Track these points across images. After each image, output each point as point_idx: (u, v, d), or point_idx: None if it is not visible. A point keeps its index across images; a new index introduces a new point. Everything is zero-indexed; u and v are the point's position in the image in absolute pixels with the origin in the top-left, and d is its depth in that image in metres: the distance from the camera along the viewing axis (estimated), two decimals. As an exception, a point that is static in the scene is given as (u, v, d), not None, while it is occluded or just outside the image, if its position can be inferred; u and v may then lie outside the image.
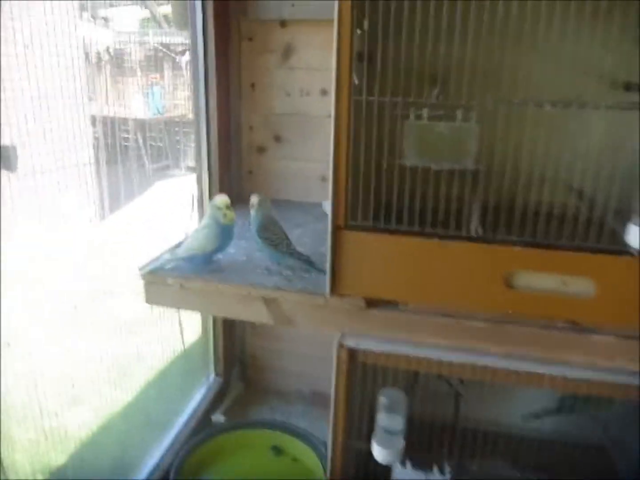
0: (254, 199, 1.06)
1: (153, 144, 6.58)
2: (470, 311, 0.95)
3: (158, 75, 6.64)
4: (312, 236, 1.26)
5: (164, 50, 6.53)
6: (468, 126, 0.81)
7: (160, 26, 6.87)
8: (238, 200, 1.52)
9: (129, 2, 6.43)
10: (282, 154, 1.52)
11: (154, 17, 6.78)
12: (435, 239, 0.89)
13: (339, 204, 0.91)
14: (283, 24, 1.43)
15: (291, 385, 1.73)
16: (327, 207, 1.46)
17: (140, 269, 1.07)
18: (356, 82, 0.87)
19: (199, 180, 1.44)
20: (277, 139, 1.51)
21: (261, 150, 1.53)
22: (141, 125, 6.47)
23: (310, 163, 1.51)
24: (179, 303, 1.08)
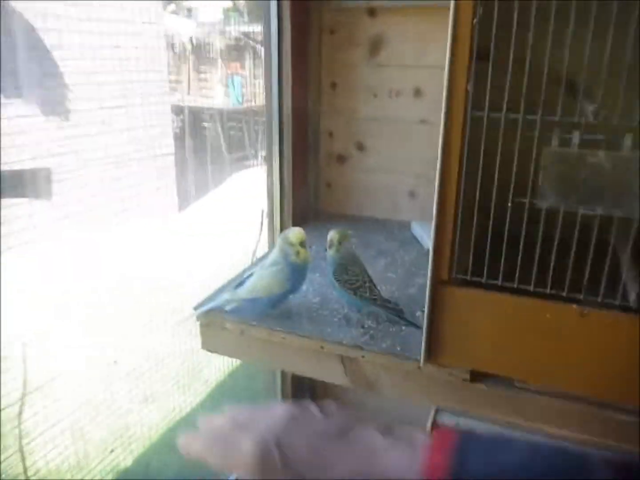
0: (334, 236, 0.86)
1: (232, 133, 6.57)
2: (616, 400, 0.71)
3: (239, 65, 6.60)
4: (399, 270, 1.05)
5: (245, 39, 6.47)
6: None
7: (241, 15, 6.82)
8: (314, 218, 1.34)
9: (211, -9, 6.43)
10: (366, 165, 1.31)
11: (235, 7, 6.75)
12: (575, 306, 0.66)
13: (443, 252, 0.69)
14: (372, 12, 1.21)
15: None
16: (417, 229, 1.25)
17: (195, 308, 0.91)
18: (470, 90, 0.64)
19: (270, 195, 1.26)
20: (360, 147, 1.31)
21: (342, 159, 1.33)
22: (221, 114, 6.47)
23: (398, 175, 1.29)
24: (239, 353, 0.92)
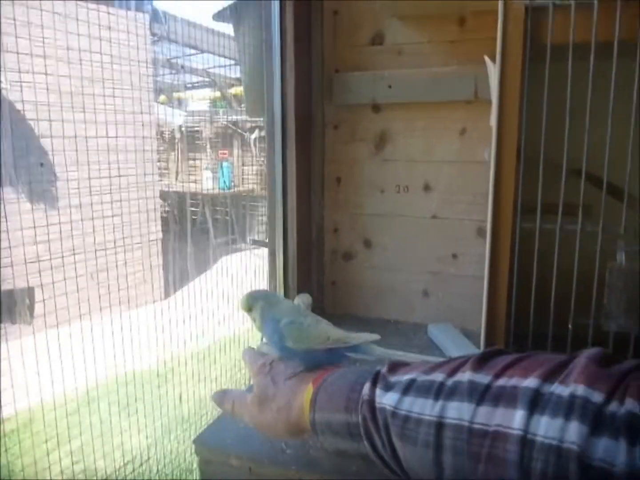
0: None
1: (220, 217, 6.58)
2: None
3: (227, 152, 6.73)
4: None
5: (233, 127, 6.65)
6: None
7: (230, 105, 7.05)
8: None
9: (202, 84, 6.67)
10: (374, 262, 1.24)
11: (224, 97, 6.99)
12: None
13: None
14: (376, 108, 1.18)
15: None
16: (436, 334, 1.15)
17: (195, 441, 0.78)
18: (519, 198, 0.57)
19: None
20: (367, 243, 1.24)
21: (347, 256, 1.25)
22: (209, 199, 6.51)
23: (409, 274, 1.21)
24: (247, 496, 0.78)
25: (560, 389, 0.37)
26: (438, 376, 0.44)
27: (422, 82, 1.12)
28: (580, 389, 0.36)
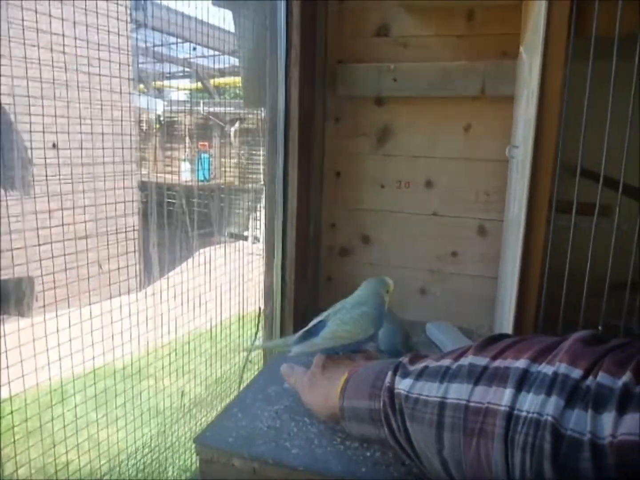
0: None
1: (198, 209, 6.48)
2: None
3: (206, 143, 6.62)
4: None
5: (213, 119, 6.55)
6: None
7: (211, 96, 6.94)
8: (313, 313, 1.21)
9: (182, 74, 6.55)
10: (371, 259, 1.22)
11: (205, 88, 6.87)
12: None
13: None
14: (379, 101, 1.16)
15: None
16: (435, 333, 1.13)
17: (195, 440, 0.75)
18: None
19: (269, 292, 1.14)
20: (365, 239, 1.22)
21: (344, 252, 1.23)
22: (187, 191, 6.40)
23: (406, 271, 1.20)
24: (251, 498, 0.75)
25: (546, 368, 0.39)
26: (445, 361, 0.48)
27: (427, 77, 1.10)
28: (562, 367, 0.39)
